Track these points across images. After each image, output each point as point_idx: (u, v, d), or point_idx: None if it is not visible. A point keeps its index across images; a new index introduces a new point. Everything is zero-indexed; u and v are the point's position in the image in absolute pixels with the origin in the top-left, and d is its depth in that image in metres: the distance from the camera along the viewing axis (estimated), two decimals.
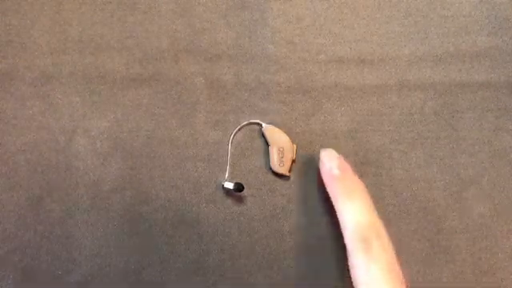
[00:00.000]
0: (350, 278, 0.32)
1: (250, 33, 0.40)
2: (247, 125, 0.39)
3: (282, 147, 0.38)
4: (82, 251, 0.37)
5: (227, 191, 0.38)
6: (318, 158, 0.37)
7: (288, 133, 0.38)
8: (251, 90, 0.39)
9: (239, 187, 0.37)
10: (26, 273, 0.36)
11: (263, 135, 0.39)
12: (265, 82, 0.39)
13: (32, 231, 0.37)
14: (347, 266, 0.33)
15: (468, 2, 0.41)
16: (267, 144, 0.38)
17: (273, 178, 0.38)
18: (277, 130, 0.38)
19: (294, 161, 0.38)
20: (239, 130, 0.39)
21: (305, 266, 0.37)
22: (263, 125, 0.39)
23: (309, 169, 0.38)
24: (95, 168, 0.38)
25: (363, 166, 0.39)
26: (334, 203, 0.34)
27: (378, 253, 0.32)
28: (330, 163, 0.35)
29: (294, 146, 0.38)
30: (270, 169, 0.38)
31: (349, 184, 0.34)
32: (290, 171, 0.38)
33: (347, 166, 0.35)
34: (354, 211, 0.33)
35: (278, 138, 0.38)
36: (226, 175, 0.38)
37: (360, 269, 0.32)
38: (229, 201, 0.38)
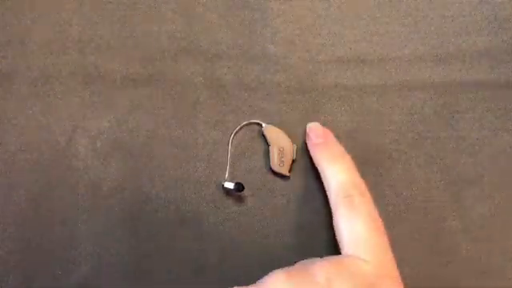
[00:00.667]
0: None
1: (250, 33, 0.40)
2: (247, 125, 0.39)
3: (282, 147, 0.38)
4: (82, 251, 0.37)
5: (227, 191, 0.38)
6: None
7: (288, 133, 0.38)
8: (251, 89, 0.39)
9: (239, 187, 0.37)
10: (26, 273, 0.36)
11: (263, 135, 0.39)
12: (265, 82, 0.39)
13: (32, 231, 0.37)
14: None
15: (468, 2, 0.41)
16: (267, 144, 0.38)
17: (273, 177, 0.38)
18: (277, 129, 0.38)
19: (293, 161, 0.38)
20: (239, 129, 0.39)
21: None
22: (263, 125, 0.39)
23: (309, 169, 0.38)
24: (95, 168, 0.38)
25: (363, 166, 0.38)
26: (319, 169, 0.37)
27: (360, 207, 0.33)
28: (315, 133, 0.38)
29: (294, 146, 0.38)
30: (270, 169, 0.38)
31: (331, 149, 0.37)
32: (290, 171, 0.38)
33: (330, 134, 0.37)
34: (337, 172, 0.35)
35: (278, 138, 0.38)
36: (226, 175, 0.38)
37: (344, 225, 0.33)
38: (229, 201, 0.38)
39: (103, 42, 0.39)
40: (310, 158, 0.38)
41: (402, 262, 0.37)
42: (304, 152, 0.39)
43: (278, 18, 0.40)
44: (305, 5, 0.41)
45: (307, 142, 0.38)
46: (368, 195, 0.34)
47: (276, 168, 0.38)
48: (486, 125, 0.40)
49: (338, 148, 0.37)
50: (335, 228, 0.33)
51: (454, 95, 0.40)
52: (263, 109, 0.39)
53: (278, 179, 0.38)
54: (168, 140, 0.38)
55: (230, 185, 0.37)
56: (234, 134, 0.39)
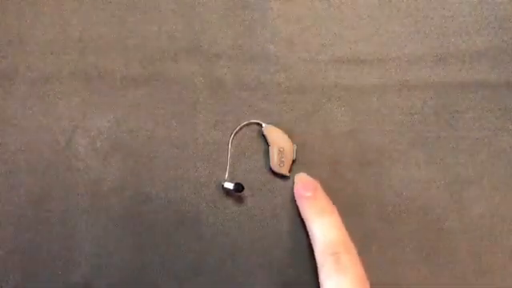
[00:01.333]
0: None
1: (250, 33, 0.40)
2: (247, 125, 0.39)
3: (282, 147, 0.38)
4: (82, 251, 0.37)
5: (227, 191, 0.38)
6: (316, 160, 0.37)
7: (288, 133, 0.38)
8: (251, 89, 0.39)
9: (239, 187, 0.37)
10: (26, 273, 0.36)
11: (263, 135, 0.38)
12: (265, 82, 0.39)
13: (32, 231, 0.37)
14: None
15: (468, 2, 0.41)
16: (267, 144, 0.38)
17: (273, 177, 0.38)
18: (277, 129, 0.38)
19: (293, 161, 0.38)
20: (239, 129, 0.39)
21: (305, 266, 0.37)
22: (263, 125, 0.39)
23: (309, 169, 0.38)
24: (95, 168, 0.38)
25: (363, 166, 0.38)
26: (306, 223, 0.36)
27: (346, 265, 0.33)
28: (304, 186, 0.37)
29: (294, 146, 0.38)
30: (270, 169, 0.38)
31: (319, 203, 0.36)
32: (290, 171, 0.38)
33: (318, 187, 0.37)
34: (324, 228, 0.34)
35: (278, 138, 0.38)
36: (226, 175, 0.38)
37: (329, 283, 0.32)
38: (229, 201, 0.38)
39: (103, 42, 0.39)
40: (310, 158, 0.38)
41: (402, 262, 0.37)
42: (304, 152, 0.39)
43: (278, 18, 0.40)
44: (305, 5, 0.41)
45: (295, 192, 0.37)
46: (354, 252, 0.34)
47: (276, 168, 0.38)
48: (485, 125, 0.40)
49: (326, 202, 0.36)
50: (320, 283, 0.33)
51: (454, 95, 0.40)
52: (263, 109, 0.39)
53: (277, 179, 0.38)
54: (168, 140, 0.38)
55: (229, 185, 0.37)
56: (234, 134, 0.39)
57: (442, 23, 0.41)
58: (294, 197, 0.38)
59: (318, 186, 0.37)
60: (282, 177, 0.38)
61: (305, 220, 0.36)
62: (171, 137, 0.38)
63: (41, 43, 0.39)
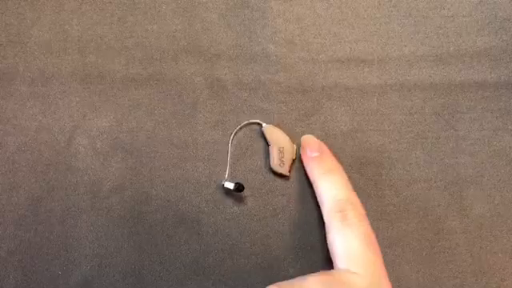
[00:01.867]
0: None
1: (250, 33, 0.40)
2: (247, 125, 0.39)
3: (282, 147, 0.38)
4: (82, 251, 0.37)
5: (227, 191, 0.38)
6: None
7: (288, 133, 0.38)
8: (251, 90, 0.39)
9: (239, 187, 0.37)
10: (26, 273, 0.36)
11: (263, 135, 0.39)
12: (265, 82, 0.39)
13: (32, 231, 0.37)
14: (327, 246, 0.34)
15: (468, 2, 0.41)
16: (267, 144, 0.38)
17: (273, 178, 0.38)
18: (277, 129, 0.38)
19: (293, 161, 0.38)
20: (239, 129, 0.39)
21: (305, 266, 0.37)
22: (263, 125, 0.39)
23: None
24: (95, 168, 0.38)
25: (363, 166, 0.38)
26: (312, 183, 0.37)
27: (353, 221, 0.33)
28: (310, 147, 0.37)
29: (294, 146, 0.38)
30: (270, 169, 0.38)
31: (326, 163, 0.36)
32: (290, 171, 0.38)
33: (325, 148, 0.37)
34: (331, 187, 0.35)
35: (278, 138, 0.38)
36: (226, 175, 0.38)
37: (337, 239, 0.33)
38: (229, 201, 0.38)
39: (103, 42, 0.39)
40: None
41: (401, 262, 0.37)
42: None
43: (278, 18, 0.40)
44: (305, 5, 0.41)
45: (301, 154, 0.38)
46: (362, 210, 0.34)
47: (276, 168, 0.38)
48: (485, 125, 0.40)
49: (332, 162, 0.37)
50: (328, 242, 0.34)
51: (454, 95, 0.40)
52: (263, 109, 0.39)
53: (277, 179, 0.38)
54: (168, 140, 0.38)
55: (230, 185, 0.37)
56: (234, 134, 0.39)
57: (442, 23, 0.41)
58: (293, 197, 0.38)
59: (324, 146, 0.37)
60: (282, 177, 0.38)
61: (312, 181, 0.37)
62: (171, 137, 0.38)
63: (41, 43, 0.39)
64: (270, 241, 0.37)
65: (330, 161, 0.37)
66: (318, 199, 0.36)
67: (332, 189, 0.35)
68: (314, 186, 0.36)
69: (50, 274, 0.36)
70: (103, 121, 0.38)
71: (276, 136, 0.38)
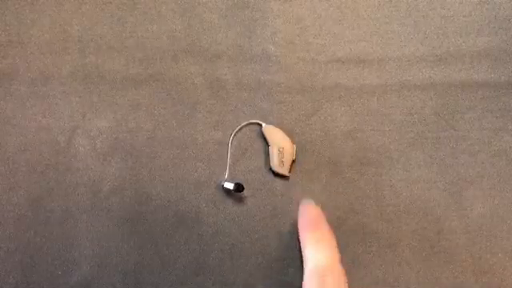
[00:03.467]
0: None
1: (250, 33, 0.40)
2: (247, 125, 0.39)
3: (282, 147, 0.38)
4: (82, 251, 0.37)
5: (227, 191, 0.38)
6: (316, 160, 0.37)
7: (288, 133, 0.38)
8: (251, 89, 0.39)
9: (239, 187, 0.37)
10: (26, 273, 0.36)
11: (263, 135, 0.38)
12: (265, 82, 0.39)
13: (32, 231, 0.37)
14: None
15: (468, 2, 0.41)
16: (267, 144, 0.38)
17: (273, 178, 0.38)
18: (277, 130, 0.38)
19: (294, 161, 0.38)
20: (239, 130, 0.39)
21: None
22: (263, 125, 0.39)
23: (309, 169, 0.38)
24: (95, 168, 0.38)
25: (363, 166, 0.38)
26: (301, 244, 0.35)
27: (331, 285, 0.32)
28: (308, 217, 0.36)
29: (294, 146, 0.38)
30: (270, 169, 0.38)
31: (319, 233, 0.35)
32: (290, 171, 0.38)
33: (322, 220, 0.35)
34: (318, 251, 0.34)
35: (278, 138, 0.38)
36: (226, 175, 0.38)
37: None
38: (229, 201, 0.38)
39: (103, 42, 0.39)
40: (310, 158, 0.38)
41: (401, 262, 0.37)
42: (304, 152, 0.39)
43: (278, 18, 0.40)
44: (305, 5, 0.41)
45: (299, 219, 0.36)
46: (343, 279, 0.33)
47: (276, 168, 0.38)
48: (485, 125, 0.40)
49: (325, 232, 0.35)
50: None
51: (454, 95, 0.40)
52: (263, 109, 0.39)
53: (277, 179, 0.38)
54: (168, 140, 0.38)
55: (229, 185, 0.37)
56: (234, 134, 0.39)
57: (442, 23, 0.41)
58: (293, 197, 0.38)
59: (322, 217, 0.36)
60: (282, 177, 0.38)
61: (301, 243, 0.35)
62: (171, 137, 0.38)
63: (41, 43, 0.39)
64: (270, 241, 0.37)
65: (324, 231, 0.35)
66: (303, 258, 0.34)
67: (318, 252, 0.34)
68: (302, 246, 0.35)
69: (50, 274, 0.36)
70: (103, 121, 0.38)
71: (276, 136, 0.38)
